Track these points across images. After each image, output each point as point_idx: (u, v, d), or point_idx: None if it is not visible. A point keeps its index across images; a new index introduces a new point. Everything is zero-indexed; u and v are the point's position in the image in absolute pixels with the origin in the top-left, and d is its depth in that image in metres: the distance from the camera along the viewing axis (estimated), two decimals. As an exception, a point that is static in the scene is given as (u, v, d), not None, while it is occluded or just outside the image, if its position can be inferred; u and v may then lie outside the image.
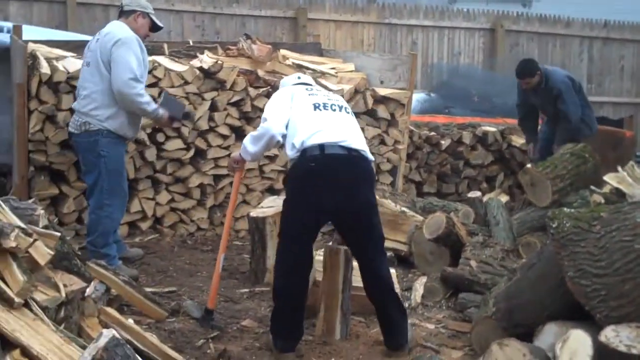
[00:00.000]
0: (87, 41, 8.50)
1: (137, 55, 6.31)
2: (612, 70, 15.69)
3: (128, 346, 3.38)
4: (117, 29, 6.44)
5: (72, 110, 6.88)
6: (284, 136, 5.07)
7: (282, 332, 5.07)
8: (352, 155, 4.93)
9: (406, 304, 6.17)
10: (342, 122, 5.06)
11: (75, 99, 6.85)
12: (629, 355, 3.92)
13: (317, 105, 5.07)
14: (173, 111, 6.54)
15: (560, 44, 15.30)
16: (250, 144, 5.27)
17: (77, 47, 7.99)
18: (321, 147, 4.87)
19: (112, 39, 6.30)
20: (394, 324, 5.16)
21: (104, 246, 6.39)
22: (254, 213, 6.62)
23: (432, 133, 9.74)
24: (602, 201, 6.72)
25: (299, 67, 8.46)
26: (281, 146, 5.23)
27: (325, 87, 5.41)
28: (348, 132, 5.01)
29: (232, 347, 5.20)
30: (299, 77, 5.57)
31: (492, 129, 10.12)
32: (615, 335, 4.02)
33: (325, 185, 4.85)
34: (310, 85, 5.48)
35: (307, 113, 5.03)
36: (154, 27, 6.76)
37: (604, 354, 4.02)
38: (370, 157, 5.10)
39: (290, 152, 4.99)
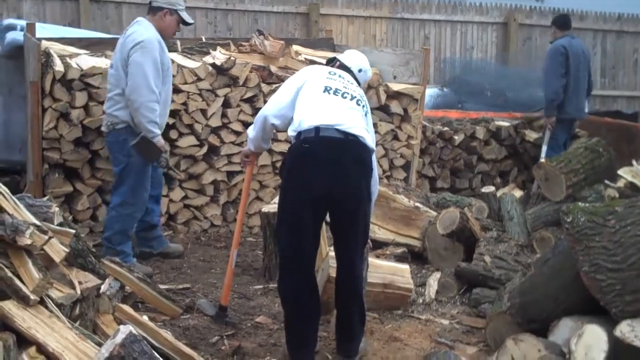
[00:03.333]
0: (100, 38, 8.61)
1: (154, 61, 6.29)
2: (625, 64, 15.61)
3: (145, 342, 3.38)
4: (141, 29, 6.39)
5: (86, 108, 6.98)
6: (282, 119, 5.03)
7: (296, 341, 4.83)
8: (348, 140, 4.74)
9: (420, 300, 6.18)
10: (345, 108, 4.87)
11: (89, 97, 6.97)
12: (644, 350, 3.92)
13: (327, 88, 4.93)
14: (146, 154, 6.36)
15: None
16: (250, 130, 5.34)
17: (90, 45, 8.03)
18: (316, 129, 4.72)
19: (133, 41, 6.28)
20: (351, 330, 4.95)
21: (119, 244, 6.40)
22: (266, 209, 6.62)
23: (445, 128, 9.73)
24: (617, 195, 6.70)
25: (312, 63, 8.45)
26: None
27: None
28: (348, 118, 4.81)
29: (246, 343, 5.22)
30: (359, 70, 5.33)
31: (506, 124, 10.11)
32: (630, 330, 4.02)
33: (318, 168, 4.68)
34: (337, 71, 5.20)
35: (314, 95, 4.92)
36: (184, 22, 6.73)
37: (619, 349, 4.02)
38: (370, 145, 4.86)
39: (290, 131, 4.90)
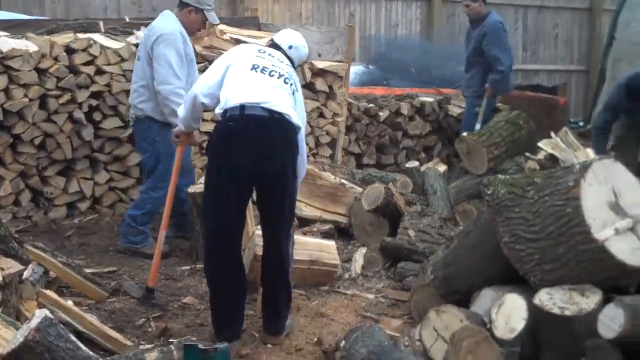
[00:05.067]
0: (21, 20, 8.47)
1: (177, 51, 6.42)
2: (546, 39, 15.87)
3: (62, 326, 3.34)
4: (163, 22, 6.54)
5: (6, 91, 6.87)
6: (211, 97, 4.98)
7: (222, 321, 4.84)
8: (273, 117, 4.73)
9: (346, 275, 6.24)
10: (271, 86, 4.85)
11: (10, 79, 6.93)
12: (562, 317, 4.02)
13: (255, 66, 4.91)
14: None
15: (495, 12, 15.39)
16: (180, 110, 5.36)
17: (10, 27, 7.87)
18: (242, 107, 4.71)
19: (154, 34, 6.44)
20: (278, 308, 5.00)
21: (143, 224, 6.67)
22: (192, 189, 6.60)
23: (371, 105, 9.79)
24: (537, 167, 6.84)
25: (237, 42, 8.42)
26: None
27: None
28: (273, 95, 4.80)
29: (173, 324, 5.21)
30: (289, 46, 5.26)
31: (430, 100, 10.22)
32: (549, 298, 4.12)
33: (243, 146, 4.66)
34: (267, 49, 5.17)
35: (241, 72, 4.90)
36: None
37: (538, 317, 4.11)
38: (296, 123, 4.85)
39: (217, 109, 4.87)
